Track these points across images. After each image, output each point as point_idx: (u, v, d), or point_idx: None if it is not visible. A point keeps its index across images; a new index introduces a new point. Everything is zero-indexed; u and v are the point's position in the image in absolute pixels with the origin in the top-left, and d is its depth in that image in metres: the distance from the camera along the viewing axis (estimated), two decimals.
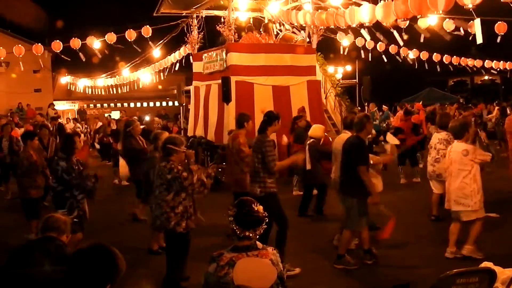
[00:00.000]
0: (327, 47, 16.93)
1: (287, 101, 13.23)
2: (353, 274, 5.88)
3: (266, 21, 14.94)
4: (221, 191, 8.65)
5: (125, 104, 32.48)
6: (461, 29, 11.75)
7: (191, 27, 15.63)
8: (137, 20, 16.61)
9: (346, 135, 6.77)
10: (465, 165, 6.01)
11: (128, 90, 24.07)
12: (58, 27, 26.59)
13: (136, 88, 23.51)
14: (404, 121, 11.98)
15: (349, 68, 24.26)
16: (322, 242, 7.15)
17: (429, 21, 11.78)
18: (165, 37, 17.29)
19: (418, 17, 9.97)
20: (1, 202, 10.69)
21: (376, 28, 13.18)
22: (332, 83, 15.95)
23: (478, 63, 21.22)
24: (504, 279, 3.70)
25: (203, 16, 15.37)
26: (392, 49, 17.52)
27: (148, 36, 15.55)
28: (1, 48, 14.62)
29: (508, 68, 22.73)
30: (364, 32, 11.27)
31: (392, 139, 7.56)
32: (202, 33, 15.54)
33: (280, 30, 15.55)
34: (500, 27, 12.45)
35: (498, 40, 11.76)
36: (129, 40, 15.28)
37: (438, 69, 19.81)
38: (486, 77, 37.96)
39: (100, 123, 18.93)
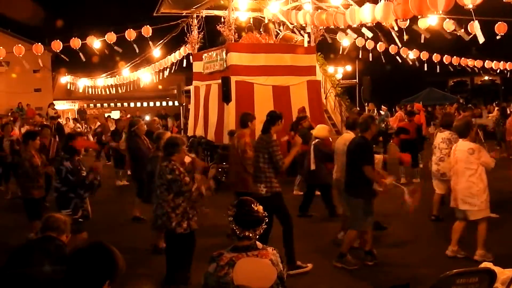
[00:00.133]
0: (327, 47, 16.92)
1: (287, 101, 13.22)
2: (353, 274, 5.88)
3: (266, 21, 14.94)
4: (221, 191, 8.64)
5: (125, 104, 32.50)
6: (462, 30, 11.74)
7: (191, 27, 15.65)
8: (137, 20, 16.67)
9: (348, 135, 6.77)
10: (471, 163, 6.01)
11: (128, 90, 24.04)
12: (58, 27, 26.66)
13: (136, 88, 23.49)
14: (408, 121, 12.01)
15: (349, 68, 24.27)
16: (323, 242, 7.16)
17: (429, 21, 11.77)
18: (165, 37, 17.32)
19: (418, 17, 9.97)
20: (1, 202, 10.67)
21: (376, 28, 13.17)
22: (332, 83, 15.94)
23: (478, 63, 21.23)
24: (504, 279, 3.70)
25: (203, 16, 15.40)
26: (392, 49, 17.52)
27: (148, 36, 15.56)
28: (1, 48, 14.61)
29: (508, 69, 22.75)
30: (365, 30, 11.25)
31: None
32: (202, 33, 15.56)
33: (280, 30, 15.55)
34: (500, 27, 12.46)
35: (498, 37, 11.77)
36: (129, 40, 15.28)
37: (438, 70, 19.79)
38: (486, 78, 37.91)
39: (98, 123, 18.88)
